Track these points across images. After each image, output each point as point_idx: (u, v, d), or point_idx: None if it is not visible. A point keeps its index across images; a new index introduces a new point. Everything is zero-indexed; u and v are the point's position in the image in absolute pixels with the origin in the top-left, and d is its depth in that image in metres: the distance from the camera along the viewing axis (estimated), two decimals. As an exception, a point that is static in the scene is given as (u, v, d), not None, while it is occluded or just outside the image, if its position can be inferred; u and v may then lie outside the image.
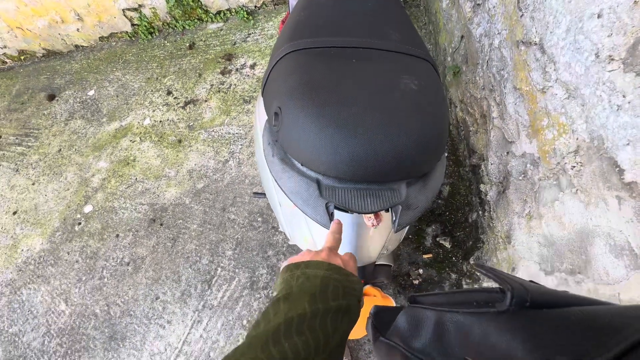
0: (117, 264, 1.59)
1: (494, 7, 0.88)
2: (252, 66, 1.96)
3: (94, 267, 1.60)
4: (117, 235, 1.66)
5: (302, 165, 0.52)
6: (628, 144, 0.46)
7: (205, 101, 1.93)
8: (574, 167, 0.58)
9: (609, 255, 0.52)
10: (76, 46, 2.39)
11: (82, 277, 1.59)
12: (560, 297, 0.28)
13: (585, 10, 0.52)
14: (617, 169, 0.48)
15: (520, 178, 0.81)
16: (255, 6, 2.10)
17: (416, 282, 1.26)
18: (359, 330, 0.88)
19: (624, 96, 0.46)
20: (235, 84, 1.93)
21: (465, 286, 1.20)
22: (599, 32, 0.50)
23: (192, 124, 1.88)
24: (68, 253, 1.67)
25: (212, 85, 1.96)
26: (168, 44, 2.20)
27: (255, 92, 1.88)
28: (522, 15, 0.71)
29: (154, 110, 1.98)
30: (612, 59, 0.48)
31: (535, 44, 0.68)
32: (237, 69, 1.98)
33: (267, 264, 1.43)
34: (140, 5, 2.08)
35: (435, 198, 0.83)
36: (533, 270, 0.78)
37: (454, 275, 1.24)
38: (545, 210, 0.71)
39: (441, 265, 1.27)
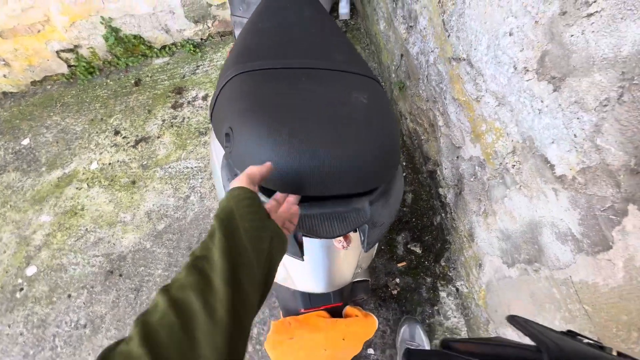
0: (72, 328, 1.41)
1: (424, 28, 0.97)
2: (205, 97, 1.93)
3: (43, 337, 1.41)
4: (69, 296, 1.49)
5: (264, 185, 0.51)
6: (553, 142, 0.51)
7: (158, 137, 1.85)
8: (514, 165, 0.64)
9: (557, 242, 0.57)
10: (4, 93, 2.20)
11: (29, 352, 1.39)
12: (592, 356, 0.29)
13: (499, 30, 0.59)
14: (549, 164, 0.54)
15: (472, 180, 0.87)
16: (201, 39, 2.11)
17: (395, 292, 1.28)
18: (353, 349, 0.86)
19: (542, 101, 0.52)
20: (188, 117, 1.89)
21: (440, 288, 1.24)
22: (513, 47, 0.57)
23: (145, 162, 1.78)
24: (9, 326, 1.46)
25: (163, 120, 1.90)
26: (111, 82, 2.10)
27: (209, 123, 1.85)
28: (449, 35, 0.79)
29: (101, 153, 1.86)
30: (527, 70, 0.54)
31: (464, 60, 0.75)
32: (188, 102, 1.94)
33: (242, 299, 1.36)
34: (76, 46, 1.98)
35: (399, 208, 0.86)
36: (497, 263, 0.83)
37: (429, 279, 1.27)
38: (497, 206, 0.76)
39: (416, 272, 1.30)
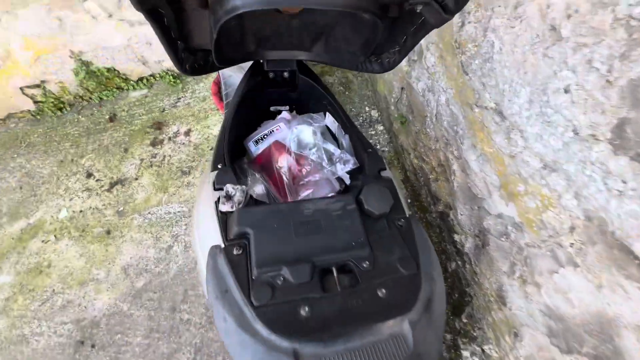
0: (33, 418, 1.19)
1: (432, 65, 0.86)
2: (187, 132, 1.78)
3: None
4: (31, 375, 1.27)
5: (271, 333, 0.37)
6: (644, 236, 0.39)
7: (136, 179, 1.68)
8: (573, 244, 0.52)
9: (647, 354, 0.44)
10: (-40, 134, 1.98)
11: None
12: None
13: (548, 84, 0.48)
14: (637, 261, 0.41)
15: (503, 239, 0.75)
16: (182, 69, 1.97)
17: (411, 352, 1.13)
18: None
19: (623, 182, 0.40)
20: (169, 155, 1.72)
21: (462, 346, 1.10)
22: (571, 107, 0.45)
23: (121, 208, 1.60)
24: (-45, 420, 1.22)
25: (142, 159, 1.73)
26: (83, 118, 1.93)
27: (194, 161, 1.69)
28: (470, 79, 0.68)
29: (71, 199, 1.66)
30: (596, 139, 0.43)
31: (492, 109, 0.64)
32: (169, 138, 1.78)
33: (237, 369, 1.18)
34: (43, 82, 1.81)
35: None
36: (542, 341, 0.70)
37: (448, 336, 1.13)
38: (543, 280, 0.64)
39: (432, 327, 1.16)
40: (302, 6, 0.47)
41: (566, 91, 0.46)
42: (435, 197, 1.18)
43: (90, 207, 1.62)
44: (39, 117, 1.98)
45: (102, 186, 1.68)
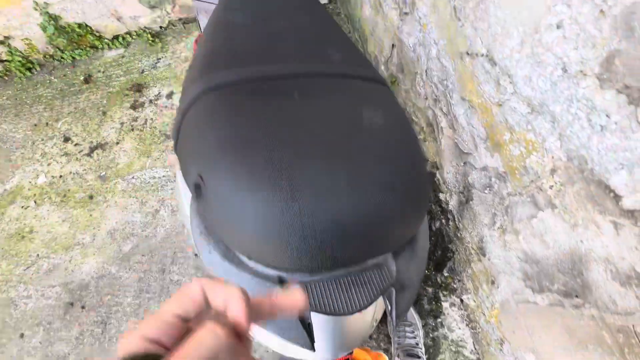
0: (28, 375, 1.21)
1: (424, 16, 0.83)
2: (169, 95, 1.71)
3: (-8, 389, 1.20)
4: (22, 335, 1.28)
5: (249, 259, 0.38)
6: (622, 168, 0.41)
7: (117, 143, 1.62)
8: (552, 186, 0.54)
9: (613, 282, 0.47)
10: None
11: (-25, 408, 1.18)
12: None
13: (541, 21, 0.47)
14: (612, 194, 0.43)
15: (486, 191, 0.77)
16: (161, 27, 1.85)
17: (395, 305, 1.19)
18: None
19: (607, 116, 0.41)
20: (151, 119, 1.66)
21: (442, 298, 1.17)
22: (562, 44, 0.45)
23: (103, 173, 1.55)
24: (-52, 379, 1.23)
25: (122, 123, 1.66)
26: (55, 79, 1.81)
27: (178, 124, 1.63)
28: (462, 25, 0.66)
29: (49, 164, 1.60)
30: (585, 74, 0.42)
31: (483, 55, 0.63)
32: (150, 101, 1.70)
33: (228, 325, 1.22)
34: (7, 37, 1.66)
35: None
36: (517, 285, 0.74)
37: (430, 289, 1.19)
38: (521, 226, 0.66)
39: (416, 282, 1.22)
40: None
41: (558, 27, 0.45)
42: (422, 158, 1.19)
43: (71, 172, 1.57)
44: (6, 77, 1.84)
45: (82, 151, 1.62)
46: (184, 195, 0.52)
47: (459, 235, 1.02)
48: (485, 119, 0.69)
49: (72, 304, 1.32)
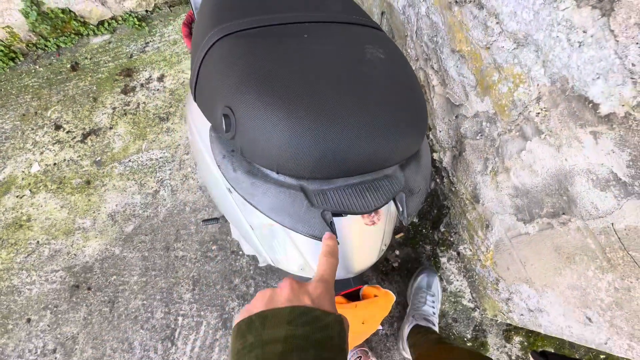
0: (39, 355, 1.22)
1: (413, -25, 0.87)
2: (160, 78, 1.70)
3: (2, 372, 1.21)
4: (29, 320, 1.28)
5: (277, 173, 0.41)
6: (598, 78, 0.46)
7: (110, 128, 1.61)
8: (539, 113, 0.59)
9: (594, 190, 0.53)
10: None
11: (-13, 391, 1.19)
12: None
13: (523, -45, 0.51)
14: (590, 104, 0.48)
15: (477, 138, 0.82)
16: (147, 10, 1.83)
17: (396, 264, 1.24)
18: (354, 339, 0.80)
19: (584, 31, 0.46)
20: (144, 102, 1.65)
21: (440, 254, 1.23)
22: (542, -27, 0.49)
23: (99, 158, 1.55)
24: (-44, 366, 1.23)
25: (114, 108, 1.65)
26: (41, 68, 1.78)
27: (171, 107, 1.64)
28: (450, -25, 0.70)
29: (41, 153, 1.58)
30: (563, -2, 0.47)
31: (471, 2, 0.67)
32: (142, 85, 1.69)
33: (236, 294, 1.26)
34: (-14, 25, 1.62)
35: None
36: (509, 222, 0.80)
37: (428, 247, 1.25)
38: (512, 162, 0.72)
39: (414, 241, 1.27)
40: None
41: (538, -43, 0.49)
42: (415, 123, 1.24)
43: (65, 160, 1.56)
44: (-12, 69, 1.80)
45: (74, 137, 1.60)
46: (198, 132, 0.54)
47: (453, 189, 1.08)
48: (474, 65, 0.74)
49: (77, 287, 1.32)
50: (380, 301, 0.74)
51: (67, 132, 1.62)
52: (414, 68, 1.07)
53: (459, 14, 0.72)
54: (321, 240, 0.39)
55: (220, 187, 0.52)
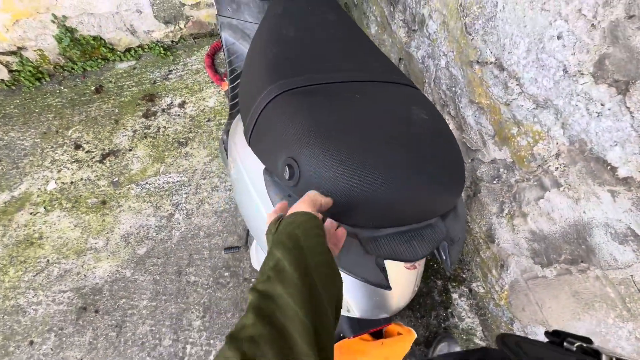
0: (39, 382, 1.18)
1: (434, 32, 0.96)
2: (182, 105, 1.77)
3: (0, 398, 1.17)
4: (32, 342, 1.25)
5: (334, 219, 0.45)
6: (616, 145, 0.52)
7: (130, 150, 1.66)
8: (558, 168, 0.64)
9: (613, 242, 0.57)
10: None
11: (-18, 418, 1.14)
12: None
13: (544, 33, 0.59)
14: (609, 167, 0.54)
15: (494, 182, 0.88)
16: (172, 41, 1.94)
17: (407, 298, 1.26)
18: None
19: (602, 104, 0.52)
20: (164, 127, 1.71)
21: (451, 290, 1.25)
22: (562, 51, 0.56)
23: (116, 179, 1.58)
24: (-49, 390, 1.19)
25: (135, 131, 1.70)
26: (65, 89, 1.85)
27: (190, 132, 1.70)
28: (472, 38, 0.78)
29: (59, 171, 1.61)
30: (582, 74, 0.54)
31: (492, 63, 0.75)
32: (163, 110, 1.76)
33: (246, 323, 1.25)
34: (20, 48, 1.70)
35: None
36: (525, 264, 0.84)
37: (439, 282, 1.27)
38: (529, 209, 0.77)
39: (426, 275, 1.30)
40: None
41: (559, 37, 0.57)
42: (428, 160, 1.30)
43: (82, 179, 1.58)
44: (14, 87, 1.86)
45: (93, 157, 1.64)
46: (244, 169, 0.59)
47: (467, 228, 1.12)
48: (493, 117, 0.81)
49: (85, 309, 1.31)
50: (402, 339, 0.75)
51: (87, 152, 1.66)
52: (430, 111, 1.15)
53: (480, 71, 0.80)
54: (379, 284, 0.43)
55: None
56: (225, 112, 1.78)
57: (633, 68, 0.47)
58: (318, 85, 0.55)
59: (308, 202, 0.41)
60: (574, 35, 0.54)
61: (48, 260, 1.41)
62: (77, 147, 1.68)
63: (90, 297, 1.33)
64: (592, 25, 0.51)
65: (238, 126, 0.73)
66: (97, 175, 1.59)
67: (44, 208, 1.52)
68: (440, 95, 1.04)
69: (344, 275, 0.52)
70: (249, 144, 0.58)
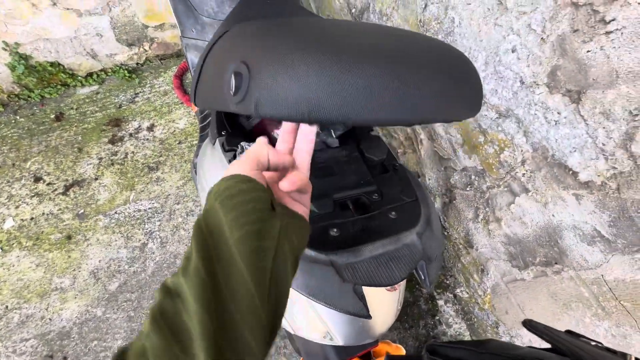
0: None
1: (398, 46, 0.98)
2: (150, 128, 1.71)
3: None
4: (-11, 402, 1.12)
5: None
6: (575, 151, 0.54)
7: (96, 179, 1.57)
8: (525, 174, 0.66)
9: (582, 244, 0.59)
10: None
11: None
12: None
13: (499, 47, 0.61)
14: (570, 172, 0.56)
15: (467, 189, 0.89)
16: (137, 63, 1.88)
17: (394, 310, 1.25)
18: None
19: (558, 113, 0.54)
20: (132, 152, 1.64)
21: (437, 297, 1.25)
22: (517, 63, 0.59)
23: (82, 211, 1.48)
24: None
25: (100, 158, 1.62)
26: (22, 119, 1.73)
27: (161, 156, 1.63)
28: (434, 52, 0.81)
29: (17, 207, 1.49)
30: (537, 84, 0.56)
31: (454, 76, 0.77)
32: (131, 134, 1.69)
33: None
34: (-33, 78, 1.59)
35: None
36: (504, 267, 0.85)
37: (424, 290, 1.27)
38: (502, 213, 0.78)
39: (410, 285, 1.29)
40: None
41: (513, 51, 0.59)
42: (403, 169, 1.32)
43: (43, 214, 1.48)
44: (-38, 120, 1.73)
45: (55, 190, 1.54)
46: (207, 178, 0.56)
47: (446, 234, 1.13)
48: (461, 127, 0.83)
49: (51, 357, 1.20)
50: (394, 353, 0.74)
51: (48, 184, 1.55)
52: (401, 122, 1.17)
53: (444, 83, 0.82)
54: (358, 314, 0.41)
55: None
56: (197, 133, 1.73)
57: (582, 78, 0.49)
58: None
59: (248, 161, 0.31)
60: (526, 49, 0.57)
61: (7, 307, 1.28)
62: (37, 179, 1.57)
63: (57, 343, 1.22)
64: (542, 39, 0.53)
65: (207, 150, 0.71)
66: (60, 209, 1.49)
67: (1, 249, 1.40)
68: (409, 106, 1.06)
69: (323, 308, 0.50)
70: (194, 102, 0.52)
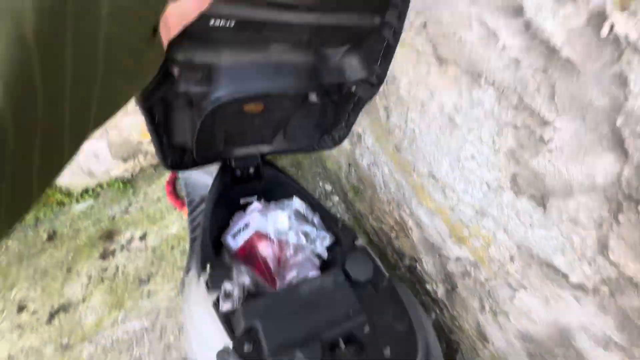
0: None
1: (371, 145, 1.06)
2: (142, 237, 1.71)
3: None
4: None
5: None
6: (557, 252, 0.53)
7: (83, 301, 1.49)
8: (517, 270, 0.65)
9: (598, 348, 0.54)
10: None
11: None
12: None
13: (460, 154, 0.66)
14: (560, 273, 0.55)
15: (467, 279, 0.86)
16: (132, 174, 1.97)
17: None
18: None
19: (530, 216, 0.56)
20: (124, 264, 1.60)
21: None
22: (478, 169, 0.63)
23: (66, 340, 1.37)
24: None
25: (89, 277, 1.57)
26: (13, 244, 1.73)
27: (153, 265, 1.59)
28: (403, 155, 0.87)
29: (-4, 345, 1.38)
30: (503, 188, 0.59)
31: (426, 174, 0.81)
32: (122, 246, 1.68)
33: None
34: (-36, 212, 1.62)
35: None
36: (527, 367, 0.77)
37: (449, 392, 1.12)
38: (507, 307, 0.74)
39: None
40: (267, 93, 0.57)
41: (472, 158, 0.64)
42: (400, 253, 1.29)
43: (23, 349, 1.36)
44: (-49, 251, 1.72)
45: (39, 319, 1.44)
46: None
47: (457, 324, 1.05)
48: (444, 218, 0.84)
49: None
50: None
51: (32, 313, 1.47)
52: (388, 209, 1.19)
53: (419, 179, 0.86)
54: None
55: None
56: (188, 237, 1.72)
57: (541, 186, 0.52)
58: None
59: None
60: (484, 157, 0.61)
61: None
62: (21, 309, 1.49)
63: None
64: (495, 150, 0.58)
65: (192, 287, 0.69)
66: (42, 341, 1.38)
67: (-31, 401, 1.24)
68: (392, 195, 1.10)
69: None
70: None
